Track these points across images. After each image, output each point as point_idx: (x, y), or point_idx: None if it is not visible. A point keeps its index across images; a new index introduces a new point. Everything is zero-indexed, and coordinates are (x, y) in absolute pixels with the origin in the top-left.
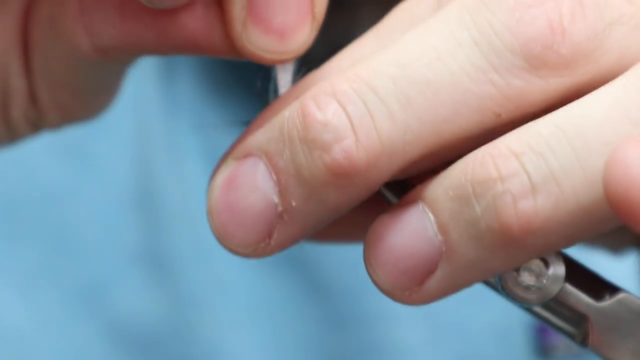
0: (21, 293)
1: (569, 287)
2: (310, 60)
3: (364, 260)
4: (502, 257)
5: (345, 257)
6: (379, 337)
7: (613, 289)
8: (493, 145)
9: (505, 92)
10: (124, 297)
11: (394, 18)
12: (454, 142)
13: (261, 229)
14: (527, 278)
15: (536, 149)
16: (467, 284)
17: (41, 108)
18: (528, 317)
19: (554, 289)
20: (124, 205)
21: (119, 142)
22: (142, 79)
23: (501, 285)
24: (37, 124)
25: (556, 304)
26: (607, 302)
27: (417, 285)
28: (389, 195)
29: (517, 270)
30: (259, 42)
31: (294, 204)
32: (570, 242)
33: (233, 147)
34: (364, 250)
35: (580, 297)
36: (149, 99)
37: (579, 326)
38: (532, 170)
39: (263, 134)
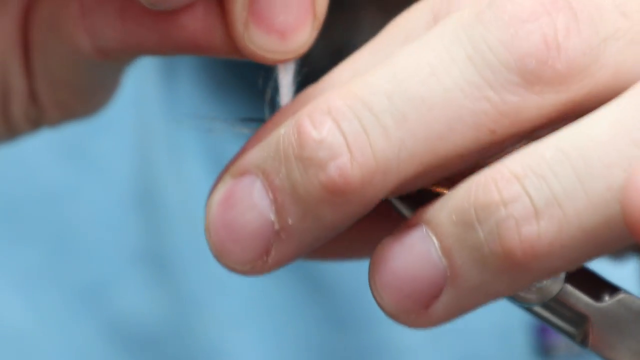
0: (22, 293)
1: (569, 287)
2: (310, 61)
3: (369, 283)
4: (506, 281)
5: None
6: (379, 337)
7: (613, 289)
8: (495, 168)
9: (500, 108)
10: (124, 297)
11: (390, 32)
12: (450, 158)
13: (258, 247)
14: None
15: (538, 172)
16: (473, 307)
17: (41, 106)
18: (529, 317)
19: (554, 289)
20: (124, 205)
21: (120, 142)
22: (143, 79)
23: None
24: (37, 122)
25: (556, 304)
26: (607, 302)
27: (423, 309)
28: (402, 208)
29: None
30: (260, 42)
31: (290, 221)
32: (574, 265)
33: (230, 163)
34: (369, 272)
35: (580, 297)
36: (150, 99)
37: (579, 326)
38: (535, 194)
39: (259, 152)
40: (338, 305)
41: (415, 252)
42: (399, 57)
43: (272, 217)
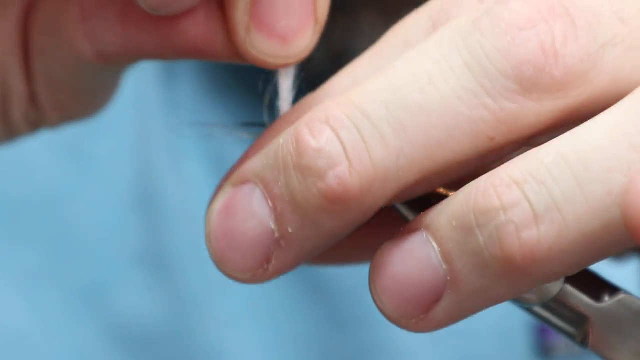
0: (21, 293)
1: (569, 288)
2: (310, 66)
3: (370, 287)
4: (506, 285)
5: None
6: (379, 337)
7: (613, 289)
8: (495, 173)
9: (498, 116)
10: (124, 298)
11: (388, 40)
12: (448, 166)
13: (258, 255)
14: None
15: (538, 177)
16: (473, 311)
17: (41, 108)
18: (528, 318)
19: (554, 289)
20: (124, 205)
21: (120, 143)
22: (143, 80)
23: None
24: (36, 123)
25: (556, 304)
26: (607, 302)
27: (423, 313)
28: (405, 211)
29: None
30: (262, 47)
31: (290, 229)
32: (574, 269)
33: (230, 172)
34: (369, 277)
35: (580, 298)
36: (149, 100)
37: (579, 326)
38: (534, 199)
39: (259, 161)
40: (338, 305)
41: (415, 256)
42: (397, 65)
43: (272, 225)
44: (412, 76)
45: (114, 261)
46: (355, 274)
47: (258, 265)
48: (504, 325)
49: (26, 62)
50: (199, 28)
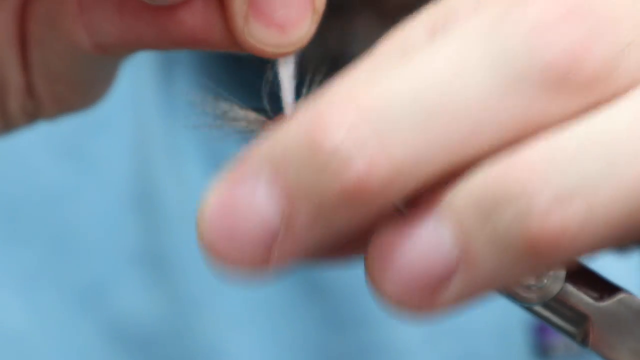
0: (20, 294)
1: (570, 287)
2: (305, 69)
3: (367, 275)
4: (523, 268)
5: None
6: (378, 337)
7: (614, 289)
8: (519, 155)
9: (522, 116)
10: (123, 298)
11: (385, 48)
12: (469, 164)
13: (259, 250)
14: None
15: (564, 160)
16: (481, 294)
17: (38, 100)
18: (527, 317)
19: (555, 289)
20: (123, 205)
21: (118, 143)
22: (141, 80)
23: None
24: (33, 115)
25: (556, 304)
26: (608, 301)
27: (428, 296)
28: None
29: None
30: (260, 36)
31: (297, 225)
32: (595, 253)
33: (232, 164)
34: (367, 263)
35: (580, 297)
36: (148, 100)
37: (579, 326)
38: (560, 182)
39: (267, 151)
40: (337, 306)
41: (425, 240)
42: (418, 63)
43: (277, 220)
44: (434, 73)
45: (113, 261)
46: (354, 275)
47: (258, 260)
48: (502, 325)
49: (23, 53)
50: (197, 18)
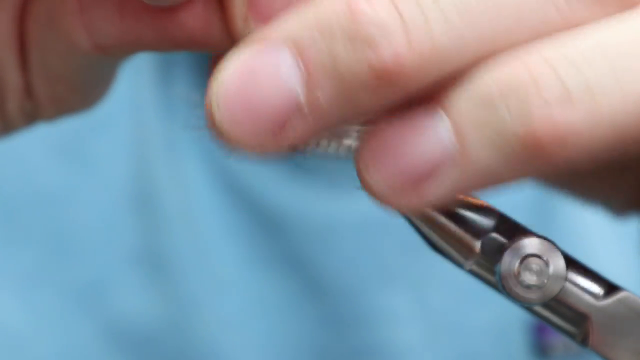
0: (19, 294)
1: (570, 286)
2: None
3: (356, 161)
4: (520, 165)
5: (345, 256)
6: (378, 336)
7: (614, 288)
8: (526, 51)
9: (566, 17)
10: (122, 298)
11: None
12: (499, 53)
13: (273, 120)
14: (527, 277)
15: (573, 60)
16: (468, 191)
17: (37, 101)
18: (526, 316)
19: (555, 289)
20: (122, 206)
21: (117, 143)
22: (140, 81)
23: (502, 284)
24: (32, 116)
25: (557, 304)
26: (608, 301)
27: (416, 188)
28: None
29: (518, 269)
30: None
31: (320, 97)
32: (594, 161)
33: (250, 37)
34: (362, 147)
35: (580, 296)
36: (147, 101)
37: (579, 325)
38: (568, 80)
39: (293, 22)
40: (336, 305)
41: (421, 129)
42: None
43: (299, 89)
44: None
45: (111, 261)
46: (354, 274)
47: (270, 131)
48: (501, 325)
49: (22, 53)
50: (196, 19)
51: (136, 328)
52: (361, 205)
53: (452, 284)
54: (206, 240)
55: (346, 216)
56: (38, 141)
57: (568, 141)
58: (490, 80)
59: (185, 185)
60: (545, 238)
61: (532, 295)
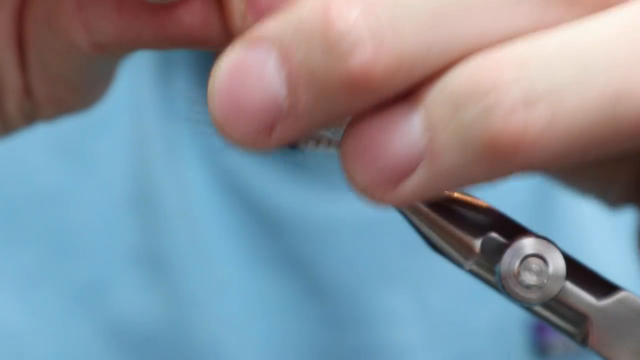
0: (18, 294)
1: (570, 286)
2: None
3: (341, 156)
4: (484, 168)
5: (345, 256)
6: (378, 336)
7: (613, 288)
8: (493, 52)
9: (537, 21)
10: (121, 298)
11: None
12: (457, 61)
13: (263, 121)
14: (527, 277)
15: (537, 62)
16: (441, 189)
17: (36, 101)
18: (526, 316)
19: (555, 289)
20: (121, 205)
21: (117, 143)
22: (139, 80)
23: (501, 284)
24: (31, 116)
25: (556, 304)
26: (608, 301)
27: (394, 184)
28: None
29: (518, 269)
30: None
31: (301, 101)
32: (558, 164)
33: (245, 35)
34: (342, 145)
35: (580, 296)
36: (146, 100)
37: (579, 325)
38: (529, 84)
39: (279, 25)
40: (336, 305)
41: (396, 126)
42: None
43: (283, 93)
44: None
45: (111, 261)
46: (354, 274)
47: (261, 131)
48: (501, 324)
49: (21, 53)
50: (195, 17)
51: (136, 328)
52: (361, 205)
53: (452, 284)
54: (206, 241)
55: (346, 216)
56: (38, 141)
57: (524, 144)
58: (458, 81)
59: (185, 185)
60: (545, 238)
61: (532, 295)
